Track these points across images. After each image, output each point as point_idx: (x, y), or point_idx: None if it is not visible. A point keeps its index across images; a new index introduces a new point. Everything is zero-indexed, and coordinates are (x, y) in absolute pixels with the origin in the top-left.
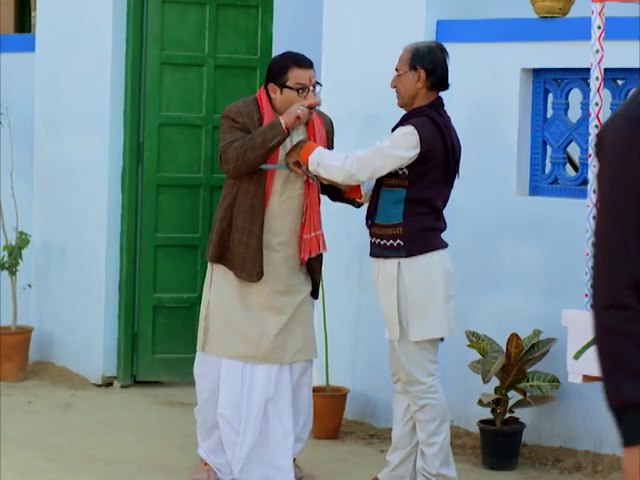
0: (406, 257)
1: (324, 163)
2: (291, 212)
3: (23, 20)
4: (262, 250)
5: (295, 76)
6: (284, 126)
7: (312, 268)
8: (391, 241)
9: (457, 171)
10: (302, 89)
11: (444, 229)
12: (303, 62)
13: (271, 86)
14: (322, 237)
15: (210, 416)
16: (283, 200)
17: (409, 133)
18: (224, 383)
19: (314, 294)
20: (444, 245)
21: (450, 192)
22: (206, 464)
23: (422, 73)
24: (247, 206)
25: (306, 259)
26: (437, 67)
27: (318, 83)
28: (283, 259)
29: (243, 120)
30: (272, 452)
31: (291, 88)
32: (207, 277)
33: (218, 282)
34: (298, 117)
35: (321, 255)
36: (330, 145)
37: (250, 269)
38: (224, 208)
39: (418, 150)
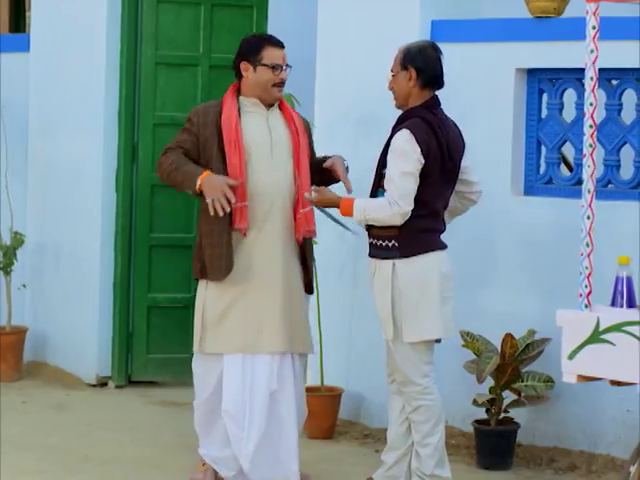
0: (401, 258)
1: (372, 218)
2: (280, 196)
3: (18, 20)
4: (228, 244)
5: (270, 55)
6: (197, 188)
7: (305, 253)
8: (387, 242)
9: (457, 171)
10: (276, 67)
11: (443, 230)
12: (277, 42)
13: (244, 64)
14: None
15: (212, 412)
16: (261, 187)
17: (407, 139)
18: (226, 380)
19: (308, 288)
20: (442, 246)
21: (450, 193)
22: (204, 464)
23: (413, 72)
24: (206, 206)
25: (301, 239)
26: (428, 65)
27: (288, 65)
28: (281, 245)
29: (197, 119)
30: (279, 446)
31: (267, 65)
32: (200, 287)
33: (211, 289)
34: (210, 196)
35: (310, 244)
36: (310, 145)
37: (218, 267)
38: (197, 219)
39: (421, 151)
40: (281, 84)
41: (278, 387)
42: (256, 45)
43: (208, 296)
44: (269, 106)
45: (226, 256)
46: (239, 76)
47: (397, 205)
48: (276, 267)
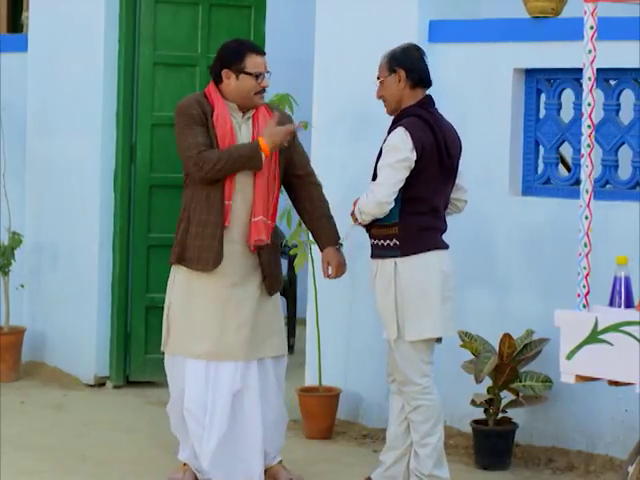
0: (402, 257)
1: (360, 210)
2: (246, 202)
3: (16, 20)
4: (221, 239)
5: (253, 63)
6: (262, 159)
7: (262, 261)
8: (388, 241)
9: (456, 169)
10: (259, 76)
11: (444, 230)
12: (258, 49)
13: (226, 72)
14: (267, 225)
15: (183, 414)
16: (237, 190)
17: (401, 135)
18: (189, 379)
19: (274, 291)
20: (443, 246)
21: (449, 190)
22: (185, 464)
23: (401, 73)
24: (204, 198)
25: (254, 247)
26: (415, 64)
27: (269, 71)
28: (241, 250)
29: (197, 111)
30: (241, 446)
31: (250, 74)
32: (169, 279)
33: (179, 283)
34: (280, 138)
35: (274, 249)
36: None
37: (206, 258)
38: (184, 207)
39: (415, 149)
40: (263, 91)
41: (243, 387)
42: (238, 52)
43: (174, 294)
44: (245, 112)
45: (217, 250)
46: (218, 81)
47: (372, 193)
48: (240, 274)
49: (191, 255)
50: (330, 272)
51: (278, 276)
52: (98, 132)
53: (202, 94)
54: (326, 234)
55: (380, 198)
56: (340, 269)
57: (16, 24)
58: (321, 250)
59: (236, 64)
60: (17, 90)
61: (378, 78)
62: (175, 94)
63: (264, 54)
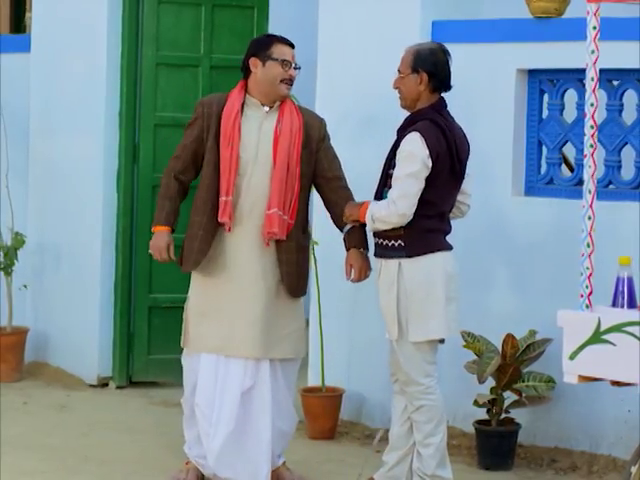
0: (407, 257)
1: (376, 217)
2: (258, 196)
3: (19, 21)
4: (204, 238)
5: (280, 50)
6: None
7: (280, 260)
8: (392, 241)
9: (463, 172)
10: (286, 63)
11: (448, 231)
12: (287, 41)
13: (253, 60)
14: (282, 220)
15: (193, 409)
16: (241, 184)
17: (417, 142)
18: (201, 375)
19: (294, 292)
20: (447, 247)
21: (456, 194)
22: (188, 462)
23: (424, 76)
24: (195, 199)
25: (267, 241)
26: (439, 69)
27: (298, 67)
28: (251, 246)
29: (202, 110)
30: (249, 445)
31: (276, 60)
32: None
33: (196, 281)
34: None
35: (297, 250)
36: (310, 143)
37: (187, 260)
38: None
39: (430, 156)
40: (289, 81)
41: (252, 387)
42: (266, 41)
43: (193, 291)
44: (271, 106)
45: (198, 250)
46: (247, 74)
47: (394, 205)
48: (255, 269)
49: (184, 255)
50: (353, 275)
51: (300, 279)
52: (101, 132)
53: (225, 94)
54: (350, 237)
55: (404, 210)
56: (363, 273)
57: (19, 24)
58: (346, 251)
59: (263, 51)
60: (20, 90)
61: (399, 71)
62: (178, 94)
63: (293, 47)
